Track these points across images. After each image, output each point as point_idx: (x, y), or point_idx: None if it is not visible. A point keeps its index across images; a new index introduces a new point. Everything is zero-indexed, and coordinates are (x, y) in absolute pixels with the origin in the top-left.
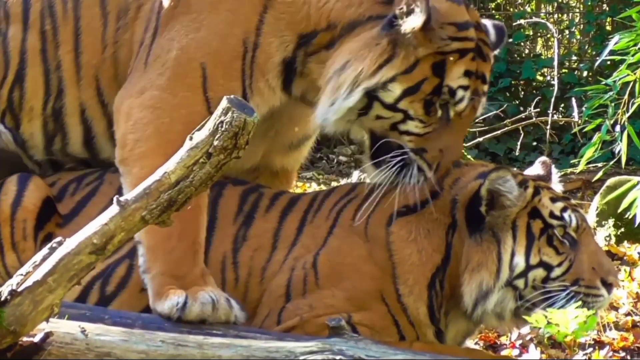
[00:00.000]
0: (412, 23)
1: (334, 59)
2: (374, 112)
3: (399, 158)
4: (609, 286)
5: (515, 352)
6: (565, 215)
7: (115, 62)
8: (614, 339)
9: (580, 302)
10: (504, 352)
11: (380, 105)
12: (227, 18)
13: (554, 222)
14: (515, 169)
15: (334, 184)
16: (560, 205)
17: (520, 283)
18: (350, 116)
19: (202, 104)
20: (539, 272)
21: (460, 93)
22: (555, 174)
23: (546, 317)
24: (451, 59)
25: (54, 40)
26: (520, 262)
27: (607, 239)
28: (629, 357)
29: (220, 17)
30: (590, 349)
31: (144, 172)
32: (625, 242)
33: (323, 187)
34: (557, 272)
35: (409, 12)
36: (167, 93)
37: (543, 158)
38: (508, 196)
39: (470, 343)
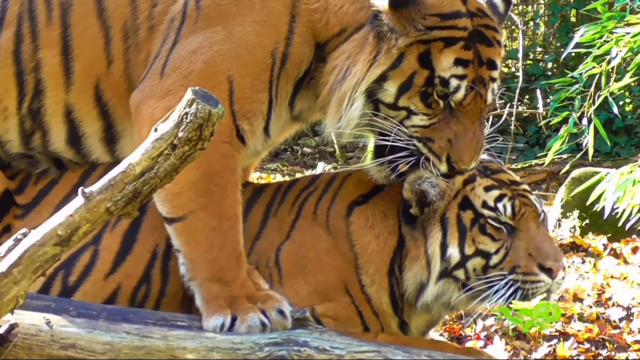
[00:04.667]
0: (381, 1)
1: (333, 66)
2: (382, 114)
3: (405, 152)
4: (547, 271)
5: (480, 343)
6: (500, 205)
7: (129, 79)
8: (578, 330)
9: (519, 291)
10: (468, 344)
11: (385, 107)
12: (255, 29)
13: (486, 212)
14: None
15: (298, 175)
16: (495, 193)
17: (460, 274)
18: (362, 122)
19: (228, 117)
20: (478, 261)
21: (454, 82)
22: None
23: (511, 308)
24: (435, 48)
25: (32, 43)
26: (454, 253)
27: (572, 230)
28: (593, 349)
29: (247, 28)
30: (555, 341)
31: (171, 185)
32: (590, 233)
33: (287, 179)
34: (494, 259)
35: None
36: None
37: None
38: (431, 192)
39: (435, 334)
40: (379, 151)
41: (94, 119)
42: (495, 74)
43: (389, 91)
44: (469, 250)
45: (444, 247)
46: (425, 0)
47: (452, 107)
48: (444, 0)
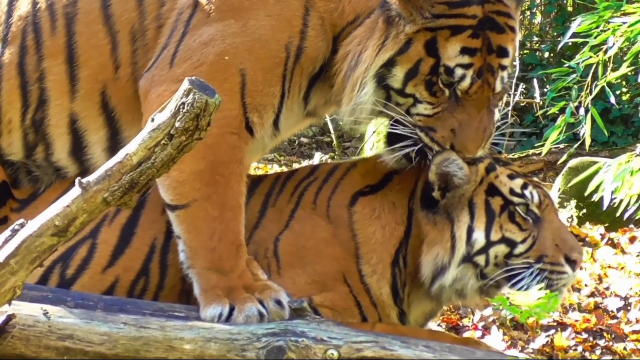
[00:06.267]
0: None
1: (346, 52)
2: (393, 101)
3: (410, 141)
4: (572, 263)
5: (478, 333)
6: (527, 192)
7: (136, 83)
8: (576, 320)
9: (545, 280)
10: (466, 334)
11: (394, 93)
12: (268, 23)
13: (515, 199)
14: None
15: (295, 165)
16: (520, 181)
17: (480, 259)
18: (376, 109)
19: (239, 109)
20: (501, 248)
21: (459, 72)
22: None
23: (508, 298)
24: (442, 36)
25: (36, 54)
26: (479, 237)
27: (570, 220)
28: (591, 339)
29: (261, 22)
30: (553, 331)
31: (176, 173)
32: (587, 223)
33: (284, 169)
34: (520, 248)
35: None
36: None
37: None
38: (458, 174)
39: (433, 325)
40: (391, 138)
41: (99, 127)
42: (506, 61)
43: (397, 77)
44: (495, 236)
45: (470, 231)
46: None
47: (457, 96)
48: None
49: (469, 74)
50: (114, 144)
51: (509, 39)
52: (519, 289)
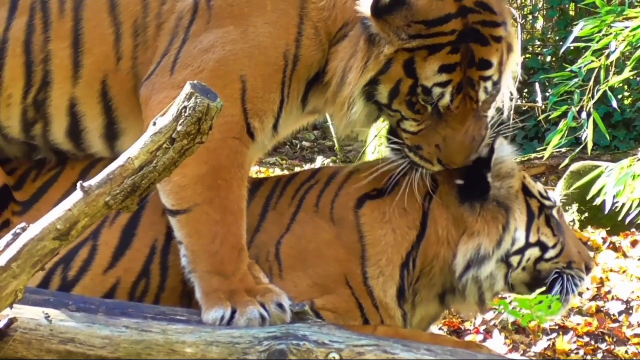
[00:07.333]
0: (364, 6)
1: (334, 67)
2: (385, 113)
3: (399, 155)
4: (588, 271)
5: (480, 337)
6: (551, 196)
7: (135, 77)
8: (578, 324)
9: (573, 287)
10: (468, 338)
11: (384, 107)
12: (267, 31)
13: (546, 202)
14: None
15: (297, 169)
16: (541, 185)
17: (515, 260)
18: (370, 119)
19: (240, 115)
20: (535, 252)
21: (437, 90)
22: None
23: (510, 302)
24: (419, 56)
25: (43, 34)
26: (521, 237)
27: (571, 223)
28: (593, 342)
29: (260, 29)
30: (555, 334)
31: (179, 177)
32: (589, 227)
33: (286, 172)
34: (551, 253)
35: None
36: None
37: None
38: (509, 158)
39: (434, 328)
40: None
41: (97, 114)
42: (489, 72)
43: (383, 94)
44: (533, 237)
45: (516, 227)
46: (413, 6)
47: (439, 112)
48: (433, 4)
49: (448, 91)
50: (110, 133)
51: (493, 50)
52: (563, 294)
